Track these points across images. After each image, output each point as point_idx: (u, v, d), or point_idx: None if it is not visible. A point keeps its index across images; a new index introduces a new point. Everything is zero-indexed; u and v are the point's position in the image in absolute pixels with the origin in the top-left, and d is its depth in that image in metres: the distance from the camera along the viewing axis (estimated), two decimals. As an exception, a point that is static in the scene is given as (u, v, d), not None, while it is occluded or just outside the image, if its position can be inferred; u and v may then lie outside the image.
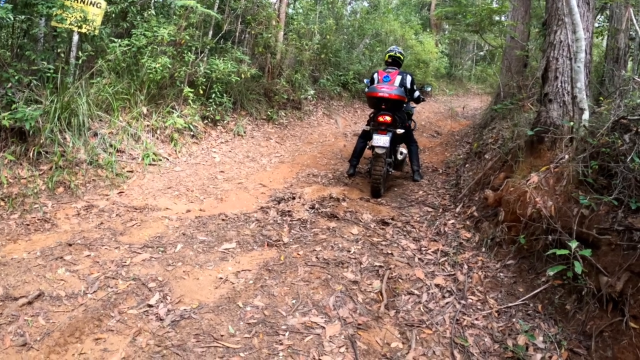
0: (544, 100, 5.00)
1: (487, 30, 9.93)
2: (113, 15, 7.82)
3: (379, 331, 3.25)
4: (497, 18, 9.90)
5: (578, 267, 3.14)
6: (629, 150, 3.44)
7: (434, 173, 7.76)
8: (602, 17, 10.30)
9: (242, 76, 8.74)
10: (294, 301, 3.50)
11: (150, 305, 3.33)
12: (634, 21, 6.82)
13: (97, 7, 6.96)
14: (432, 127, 12.58)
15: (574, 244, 3.22)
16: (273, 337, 3.05)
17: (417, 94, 7.06)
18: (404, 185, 7.02)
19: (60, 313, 3.19)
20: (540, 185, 4.19)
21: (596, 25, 10.49)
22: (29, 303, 3.25)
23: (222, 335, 3.03)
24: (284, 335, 3.07)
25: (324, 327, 3.19)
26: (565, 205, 3.79)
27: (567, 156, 4.24)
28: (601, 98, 5.14)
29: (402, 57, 7.09)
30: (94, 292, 3.47)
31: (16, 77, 5.62)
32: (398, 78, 6.76)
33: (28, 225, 4.57)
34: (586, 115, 4.29)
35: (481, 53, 23.39)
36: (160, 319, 3.17)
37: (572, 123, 4.33)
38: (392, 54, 7.13)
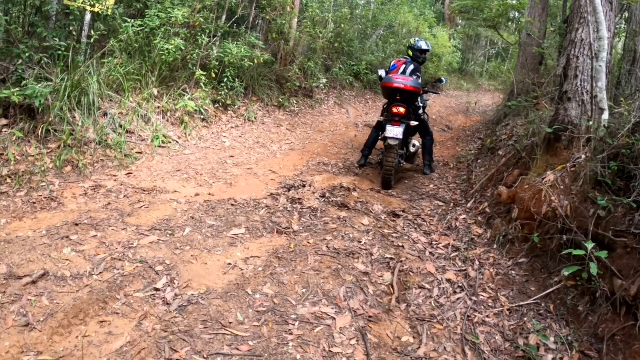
0: (563, 98, 4.92)
1: (503, 27, 9.82)
2: (127, -6, 7.76)
3: (389, 324, 3.20)
4: (514, 15, 9.78)
5: (594, 269, 3.09)
6: (649, 153, 3.38)
7: (445, 167, 7.69)
8: (619, 18, 10.15)
9: (255, 61, 8.66)
10: (304, 290, 3.45)
11: (157, 289, 3.28)
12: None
13: (111, -14, 6.90)
14: (443, 121, 12.50)
15: (590, 245, 3.17)
16: (283, 326, 3.00)
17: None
18: (414, 178, 6.96)
19: (64, 294, 3.13)
20: (556, 184, 4.13)
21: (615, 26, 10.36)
22: (33, 282, 3.19)
23: (230, 323, 2.98)
24: (294, 324, 3.03)
25: (334, 318, 3.14)
26: (581, 205, 3.73)
27: (584, 156, 4.17)
28: (622, 100, 5.05)
29: (411, 46, 7.05)
30: (100, 273, 3.42)
31: (27, 54, 5.58)
32: (403, 67, 6.80)
33: (34, 203, 4.52)
34: (606, 116, 4.23)
35: (493, 51, 23.24)
36: (167, 304, 3.12)
37: (591, 122, 4.26)
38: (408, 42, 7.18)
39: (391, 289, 3.62)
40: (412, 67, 6.83)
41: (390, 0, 16.05)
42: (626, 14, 9.07)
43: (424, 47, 7.08)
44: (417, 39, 7.28)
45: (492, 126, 8.99)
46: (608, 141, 3.77)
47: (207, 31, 8.23)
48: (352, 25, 13.58)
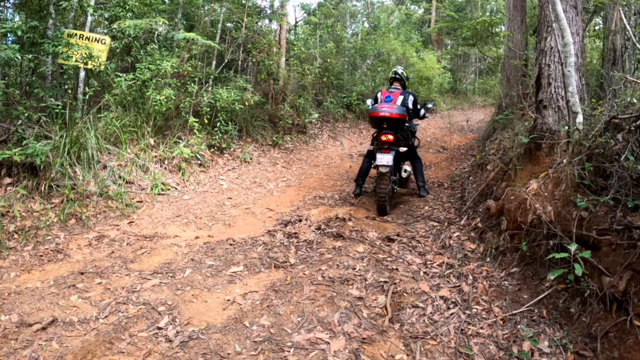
0: (539, 107, 5.04)
1: (485, 43, 10.02)
2: (117, 50, 8.08)
3: (383, 344, 3.28)
4: (494, 29, 9.98)
5: (578, 270, 3.15)
6: (622, 149, 3.46)
7: (439, 188, 7.81)
8: (600, 19, 10.32)
9: (246, 104, 8.92)
10: (299, 319, 3.55)
11: (159, 328, 3.41)
12: (624, 21, 6.83)
13: (101, 43, 7.20)
14: (438, 142, 12.63)
15: (573, 247, 3.23)
16: (278, 353, 3.10)
17: (422, 112, 7.14)
18: (410, 202, 7.07)
19: (73, 337, 3.29)
20: (539, 191, 4.23)
21: (595, 27, 10.51)
22: (43, 329, 3.36)
23: (229, 354, 3.09)
24: (289, 351, 3.13)
25: (328, 343, 3.23)
26: (564, 209, 3.81)
27: (564, 161, 4.27)
28: (593, 100, 5.16)
29: (401, 76, 7.22)
30: (106, 317, 3.57)
31: (26, 114, 5.81)
32: (400, 98, 6.86)
33: (41, 256, 4.72)
34: (580, 118, 4.31)
35: (481, 67, 23.53)
36: (170, 340, 3.24)
37: (567, 127, 4.36)
38: (390, 74, 7.32)
39: (385, 311, 3.71)
40: (411, 97, 6.96)
41: (376, 30, 16.42)
42: (603, 14, 9.20)
43: (407, 74, 7.32)
44: (400, 67, 7.46)
45: (483, 142, 9.12)
46: (583, 143, 3.87)
47: (197, 79, 8.49)
48: (340, 58, 13.88)
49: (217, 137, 8.56)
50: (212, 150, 8.55)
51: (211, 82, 8.94)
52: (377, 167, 6.32)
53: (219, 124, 8.57)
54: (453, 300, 3.88)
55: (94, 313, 3.61)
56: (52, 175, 5.67)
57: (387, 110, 6.44)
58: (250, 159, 9.05)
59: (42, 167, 5.58)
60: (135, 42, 8.23)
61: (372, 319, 3.60)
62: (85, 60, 6.93)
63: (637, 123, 3.52)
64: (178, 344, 3.19)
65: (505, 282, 4.06)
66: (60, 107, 6.24)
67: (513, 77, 9.34)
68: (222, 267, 4.54)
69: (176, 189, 7.09)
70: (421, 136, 8.45)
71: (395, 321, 3.59)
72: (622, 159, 3.42)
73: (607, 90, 6.55)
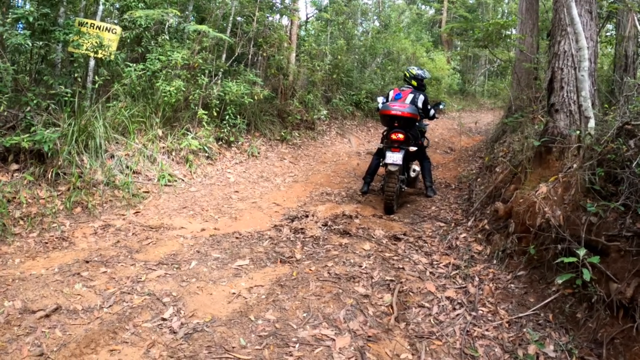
0: (551, 110, 5.02)
1: (496, 45, 9.97)
2: (128, 40, 8.07)
3: (388, 343, 3.27)
4: (506, 32, 9.93)
5: (587, 275, 3.13)
6: (634, 156, 3.43)
7: (446, 188, 7.78)
8: (612, 25, 10.26)
9: (255, 98, 8.90)
10: (305, 314, 3.54)
11: (164, 319, 3.40)
12: (638, 27, 6.78)
13: (112, 32, 7.19)
14: (446, 143, 12.61)
15: (582, 252, 3.21)
16: (283, 348, 3.09)
17: (432, 112, 7.12)
18: (417, 202, 7.04)
19: (76, 326, 3.29)
20: (549, 195, 4.20)
21: (606, 34, 10.44)
22: (47, 316, 3.36)
23: (233, 347, 3.08)
24: (294, 347, 3.11)
25: (334, 339, 3.22)
26: (573, 213, 3.79)
27: (575, 165, 4.24)
28: (606, 105, 5.12)
29: (407, 75, 7.21)
30: (110, 306, 3.57)
31: (35, 101, 5.81)
32: (410, 97, 6.84)
33: (46, 243, 4.73)
34: (592, 124, 4.28)
35: (492, 68, 23.44)
36: (174, 332, 3.24)
37: (578, 132, 4.33)
38: (405, 73, 7.30)
39: (391, 310, 3.69)
40: (422, 97, 6.95)
41: (386, 29, 16.38)
42: (615, 20, 9.14)
43: (427, 75, 7.30)
44: (416, 67, 7.43)
45: (491, 144, 9.09)
46: (595, 148, 3.84)
47: (207, 71, 8.49)
48: (350, 55, 13.87)
49: (225, 130, 8.56)
50: (220, 143, 8.56)
51: (221, 75, 8.92)
52: (386, 165, 6.30)
53: (227, 117, 8.57)
54: (459, 301, 3.86)
55: (98, 302, 3.62)
56: (60, 163, 5.68)
57: (398, 108, 6.43)
58: (258, 153, 9.05)
59: (49, 154, 5.59)
60: (146, 32, 8.22)
61: (377, 317, 3.59)
62: (95, 49, 6.93)
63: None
64: (182, 336, 3.18)
65: (512, 285, 4.04)
66: (69, 95, 6.24)
67: (524, 80, 9.29)
68: (228, 260, 4.53)
69: (183, 180, 7.09)
70: (429, 137, 8.41)
71: (400, 320, 3.57)
72: (633, 165, 3.40)
73: (619, 96, 6.51)
